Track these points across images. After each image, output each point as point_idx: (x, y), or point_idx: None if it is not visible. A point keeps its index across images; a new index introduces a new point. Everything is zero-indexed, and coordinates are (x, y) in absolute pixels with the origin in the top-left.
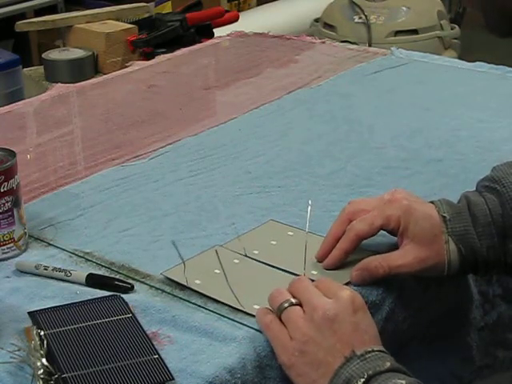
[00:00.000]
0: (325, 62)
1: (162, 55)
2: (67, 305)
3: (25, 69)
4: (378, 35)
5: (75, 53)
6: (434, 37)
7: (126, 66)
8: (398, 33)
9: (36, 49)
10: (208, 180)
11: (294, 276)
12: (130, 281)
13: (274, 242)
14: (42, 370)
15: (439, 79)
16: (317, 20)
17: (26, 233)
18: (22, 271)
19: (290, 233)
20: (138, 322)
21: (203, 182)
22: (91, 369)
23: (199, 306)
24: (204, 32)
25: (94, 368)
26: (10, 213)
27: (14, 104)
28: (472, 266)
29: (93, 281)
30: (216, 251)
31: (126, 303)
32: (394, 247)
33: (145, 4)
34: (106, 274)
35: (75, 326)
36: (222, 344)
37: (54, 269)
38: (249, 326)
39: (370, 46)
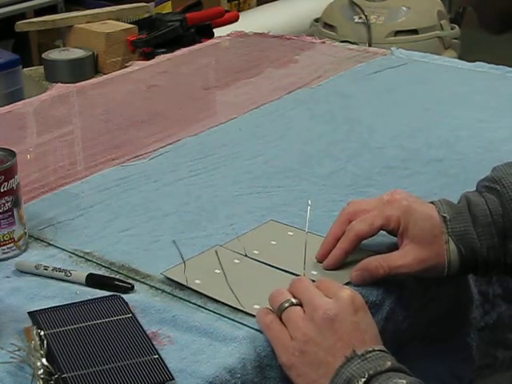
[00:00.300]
0: (325, 62)
1: (161, 55)
2: (67, 305)
3: (25, 69)
4: (378, 35)
5: (75, 53)
6: (433, 37)
7: (126, 66)
8: (398, 33)
9: (36, 49)
10: (208, 180)
11: (294, 276)
12: (130, 281)
13: (273, 242)
14: (41, 370)
15: (439, 79)
16: (317, 20)
17: (26, 233)
18: (22, 271)
19: (290, 233)
20: (137, 322)
21: (203, 181)
22: (91, 369)
23: (199, 306)
24: (204, 32)
25: (94, 368)
26: (10, 213)
27: (13, 104)
28: (472, 266)
29: (93, 281)
30: (216, 251)
31: (126, 303)
32: (394, 247)
33: (145, 4)
34: (106, 274)
35: (75, 326)
36: (222, 344)
37: (54, 269)
38: (249, 326)
39: (370, 45)
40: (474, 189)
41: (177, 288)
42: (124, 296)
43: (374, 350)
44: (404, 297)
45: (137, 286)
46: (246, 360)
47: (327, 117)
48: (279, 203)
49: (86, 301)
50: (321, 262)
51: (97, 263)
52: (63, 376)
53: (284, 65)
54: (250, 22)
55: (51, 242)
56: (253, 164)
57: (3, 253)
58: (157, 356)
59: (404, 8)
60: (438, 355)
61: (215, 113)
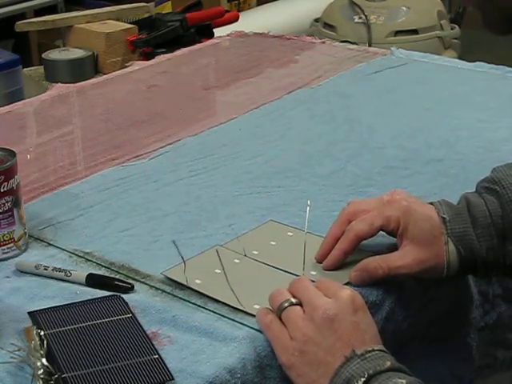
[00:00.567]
0: (325, 62)
1: (161, 55)
2: (67, 305)
3: (25, 69)
4: (378, 35)
5: (75, 53)
6: (434, 37)
7: (126, 66)
8: (398, 33)
9: (36, 49)
10: (208, 180)
11: (293, 276)
12: (130, 281)
13: (273, 243)
14: (41, 370)
15: (439, 79)
16: (317, 20)
17: (26, 233)
18: (22, 271)
19: (290, 233)
20: (138, 322)
21: (203, 181)
22: (91, 369)
23: (199, 306)
24: (204, 32)
25: (94, 368)
26: (10, 213)
27: (13, 104)
28: (471, 267)
29: (93, 281)
30: (216, 251)
31: (126, 303)
32: (394, 248)
33: (145, 4)
34: (106, 274)
35: (75, 326)
36: (222, 344)
37: (54, 269)
38: (249, 326)
39: (370, 45)
40: (474, 189)
41: (177, 288)
42: (124, 296)
43: (373, 350)
44: (404, 297)
45: (137, 286)
46: (245, 360)
47: (327, 117)
48: (279, 203)
49: (86, 301)
50: (320, 263)
51: (97, 263)
52: (63, 376)
53: (284, 65)
54: (250, 22)
55: (51, 242)
56: (253, 164)
57: (3, 253)
58: (157, 356)
59: (404, 8)
60: (438, 355)
61: (215, 113)
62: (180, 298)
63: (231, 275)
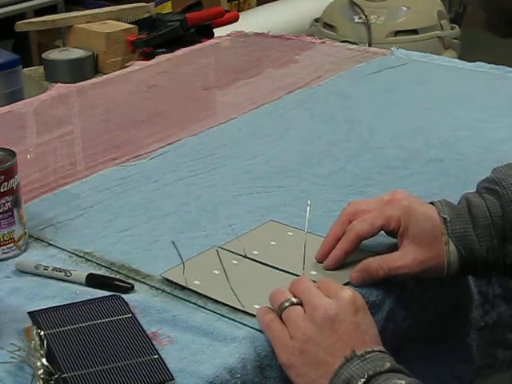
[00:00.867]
0: (325, 62)
1: (161, 55)
2: (67, 305)
3: (25, 69)
4: (378, 35)
5: (75, 53)
6: (433, 37)
7: (126, 66)
8: (398, 33)
9: (36, 49)
10: (208, 180)
11: (293, 276)
12: (130, 281)
13: (273, 243)
14: (41, 370)
15: (439, 79)
16: (317, 20)
17: (26, 233)
18: (22, 271)
19: (290, 233)
20: (138, 322)
21: (203, 181)
22: (91, 369)
23: (199, 306)
24: (204, 32)
25: (94, 368)
26: (10, 213)
27: (13, 104)
28: (471, 267)
29: (93, 281)
30: (215, 251)
31: (126, 303)
32: (394, 248)
33: (145, 4)
34: (106, 274)
35: (75, 326)
36: (222, 344)
37: (54, 269)
38: (249, 325)
39: (370, 45)
40: (474, 189)
41: (177, 288)
42: (124, 296)
43: (373, 351)
44: (404, 297)
45: (137, 286)
46: (246, 360)
47: (327, 117)
48: (279, 203)
49: (86, 301)
50: (321, 263)
51: (97, 263)
52: (63, 376)
53: (284, 65)
54: (250, 22)
55: (51, 242)
56: (253, 164)
57: (3, 253)
58: (157, 356)
59: (404, 8)
60: (438, 355)
61: (215, 113)
62: (180, 298)
63: (231, 275)
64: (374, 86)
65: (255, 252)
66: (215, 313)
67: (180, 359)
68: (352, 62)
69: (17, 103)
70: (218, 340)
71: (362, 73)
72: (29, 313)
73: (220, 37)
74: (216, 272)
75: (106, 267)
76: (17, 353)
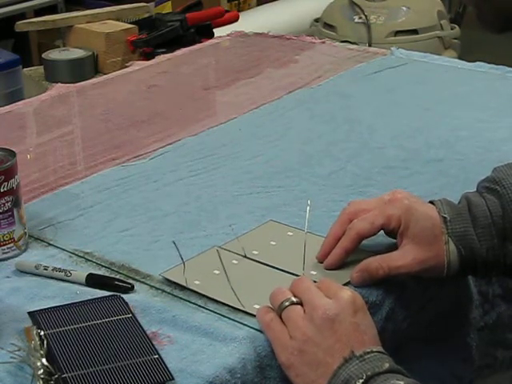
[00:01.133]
0: (325, 62)
1: (161, 55)
2: (67, 305)
3: (25, 69)
4: (378, 35)
5: (75, 53)
6: (433, 37)
7: (126, 66)
8: (398, 33)
9: (36, 49)
10: (208, 180)
11: (293, 276)
12: (130, 281)
13: (273, 243)
14: (41, 370)
15: (439, 79)
16: (317, 20)
17: (26, 233)
18: (22, 271)
19: (290, 233)
20: (137, 322)
21: (203, 181)
22: (91, 369)
23: (199, 306)
24: (204, 32)
25: (94, 368)
26: (10, 213)
27: (13, 104)
28: (471, 267)
29: (93, 281)
30: (216, 251)
31: (126, 303)
32: (394, 248)
33: (145, 4)
34: (106, 274)
35: (75, 326)
36: (222, 344)
37: (54, 269)
38: (249, 325)
39: (370, 46)
40: (475, 189)
41: (177, 288)
42: (124, 296)
43: (372, 352)
44: (404, 297)
45: (137, 286)
46: (246, 360)
47: (327, 117)
48: (279, 203)
49: (86, 301)
50: (321, 262)
51: (97, 263)
52: (63, 376)
53: (284, 65)
54: (250, 22)
55: (51, 242)
56: (253, 164)
57: (3, 253)
58: (157, 356)
59: (404, 8)
60: (438, 355)
61: (215, 113)
62: (180, 298)
63: (231, 275)
64: (373, 85)
65: (255, 252)
66: (215, 313)
67: (180, 359)
68: (352, 62)
69: (17, 103)
70: (218, 340)
71: (361, 73)
72: (29, 313)
73: (220, 37)
74: (216, 272)
75: (105, 267)
76: (17, 353)
